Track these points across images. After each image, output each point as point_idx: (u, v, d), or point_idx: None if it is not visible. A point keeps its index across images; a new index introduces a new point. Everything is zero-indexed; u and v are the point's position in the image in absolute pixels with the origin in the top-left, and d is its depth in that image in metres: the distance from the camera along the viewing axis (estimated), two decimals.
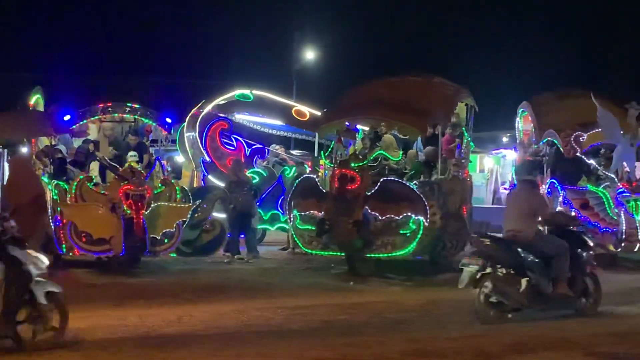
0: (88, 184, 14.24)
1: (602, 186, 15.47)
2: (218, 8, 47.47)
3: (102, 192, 14.10)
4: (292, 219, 14.95)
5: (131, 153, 15.23)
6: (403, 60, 41.02)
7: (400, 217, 13.88)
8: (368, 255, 13.95)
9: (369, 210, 13.87)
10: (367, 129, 16.16)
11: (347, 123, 15.65)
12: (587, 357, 7.89)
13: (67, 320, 8.06)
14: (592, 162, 16.21)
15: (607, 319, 10.11)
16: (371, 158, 14.96)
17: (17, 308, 7.79)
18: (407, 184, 14.30)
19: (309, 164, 17.66)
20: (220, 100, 18.33)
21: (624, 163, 15.46)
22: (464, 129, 16.14)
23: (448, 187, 14.98)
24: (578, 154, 16.20)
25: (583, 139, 16.17)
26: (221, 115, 18.10)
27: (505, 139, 26.94)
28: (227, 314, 10.15)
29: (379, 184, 14.14)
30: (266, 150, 18.72)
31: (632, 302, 11.54)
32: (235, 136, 18.10)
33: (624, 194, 15.00)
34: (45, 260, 8.20)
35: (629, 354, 8.08)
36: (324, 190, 14.50)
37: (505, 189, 21.03)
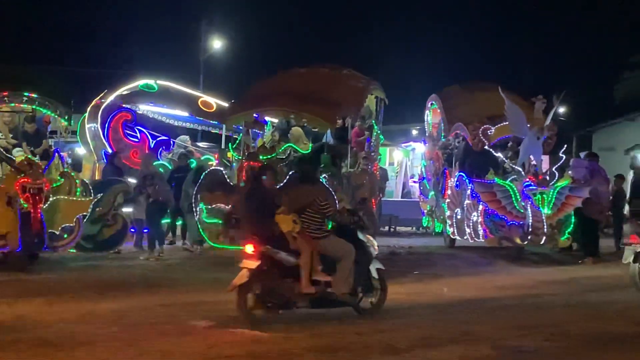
0: None
1: (509, 179, 15.72)
2: None
3: None
4: (198, 213, 14.78)
5: (17, 149, 14.72)
6: (313, 52, 41.09)
7: None
8: None
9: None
10: (275, 121, 16.13)
11: (255, 115, 15.54)
12: (494, 350, 8.00)
13: (387, 294, 9.87)
14: (499, 155, 16.49)
15: (513, 312, 10.28)
16: (280, 150, 14.92)
17: (364, 283, 9.53)
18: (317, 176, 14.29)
19: (216, 156, 17.53)
20: (123, 90, 18.03)
21: (531, 156, 15.76)
22: (373, 121, 16.26)
23: (357, 180, 15.06)
24: (486, 147, 16.46)
25: (491, 132, 16.44)
26: (124, 106, 17.80)
27: (415, 132, 27.25)
28: (130, 311, 9.93)
29: (287, 177, 14.13)
30: (171, 142, 18.46)
31: (537, 295, 11.78)
32: (139, 127, 17.83)
33: (531, 187, 15.28)
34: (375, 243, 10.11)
35: (535, 346, 8.22)
36: (231, 183, 14.42)
37: (414, 182, 21.26)
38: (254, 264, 9.08)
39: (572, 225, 15.91)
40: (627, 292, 12.14)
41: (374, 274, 9.84)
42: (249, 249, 9.16)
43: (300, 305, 9.36)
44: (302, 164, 14.15)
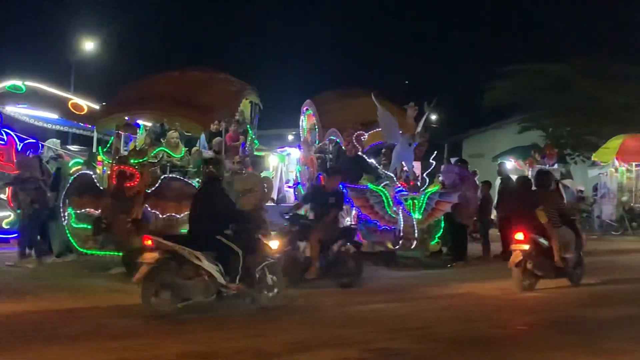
0: None
1: (381, 185, 15.85)
2: None
3: None
4: (66, 217, 14.34)
5: None
6: (188, 55, 40.77)
7: (182, 215, 13.70)
8: None
9: (149, 209, 13.62)
10: (148, 124, 15.84)
11: (127, 118, 15.22)
12: (363, 353, 8.02)
13: None
14: (372, 161, 16.63)
15: (384, 316, 10.37)
16: (152, 154, 14.64)
17: None
18: (190, 181, 14.13)
19: (87, 159, 17.06)
20: None
21: (403, 162, 15.95)
22: (248, 126, 16.18)
23: (244, 185, 14.87)
24: (359, 153, 16.58)
25: (364, 138, 16.59)
26: None
27: (290, 137, 27.29)
28: None
29: (159, 181, 13.91)
30: (40, 145, 17.88)
31: (407, 299, 11.95)
32: (5, 130, 17.17)
33: (402, 193, 15.47)
34: None
35: (403, 348, 8.30)
36: (101, 188, 14.08)
37: (289, 187, 21.23)
38: (524, 247, 12.39)
39: (441, 230, 16.21)
40: (493, 294, 12.46)
41: None
42: (520, 236, 12.44)
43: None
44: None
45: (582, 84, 31.48)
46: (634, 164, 26.63)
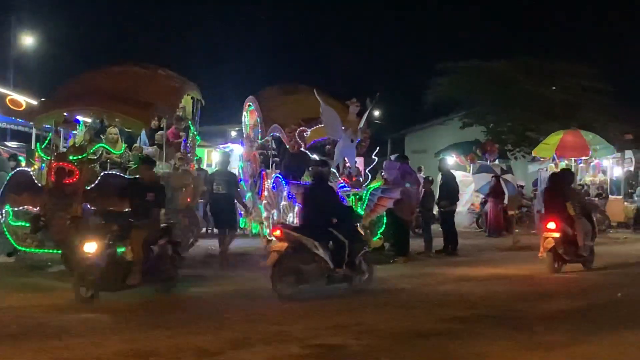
0: None
1: None
2: None
3: None
4: (4, 215, 14.08)
5: None
6: (128, 50, 40.41)
7: (122, 211, 13.53)
8: None
9: (89, 206, 13.41)
10: (88, 120, 15.60)
11: (66, 114, 14.97)
12: (303, 349, 8.02)
13: None
14: (315, 157, 16.60)
15: (326, 312, 10.38)
16: (91, 151, 14.42)
17: None
18: (130, 178, 13.96)
19: (25, 156, 16.80)
20: None
21: (345, 158, 15.99)
22: (190, 122, 16.02)
23: (179, 182, 14.79)
24: (302, 149, 16.54)
25: (307, 134, 16.54)
26: None
27: (233, 133, 27.20)
28: None
29: (99, 178, 13.73)
30: None
31: (349, 295, 11.94)
32: None
33: (345, 189, 15.50)
34: None
35: (344, 344, 8.31)
36: (39, 185, 13.85)
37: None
38: (556, 234, 14.32)
39: (384, 226, 16.25)
40: (436, 289, 12.56)
41: None
42: (552, 225, 14.38)
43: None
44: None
45: (522, 81, 31.88)
46: (573, 159, 27.04)
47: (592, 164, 27.99)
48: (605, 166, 29.28)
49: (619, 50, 38.73)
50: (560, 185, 15.23)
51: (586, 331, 9.11)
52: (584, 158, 26.73)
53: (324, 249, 11.71)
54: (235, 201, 16.59)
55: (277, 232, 11.94)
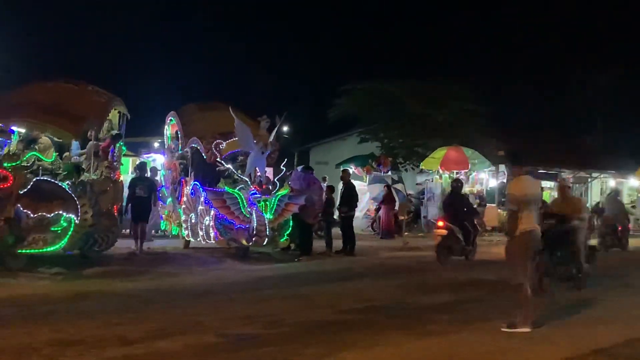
0: None
1: (237, 188, 15.81)
2: None
3: None
4: None
5: None
6: (63, 67, 39.54)
7: (52, 214, 13.28)
8: (20, 251, 13.14)
9: (21, 208, 13.07)
10: (22, 130, 15.19)
11: (1, 124, 14.55)
12: (218, 337, 8.00)
13: None
14: (229, 166, 16.53)
15: (238, 305, 10.36)
16: (24, 159, 14.05)
17: None
18: (60, 183, 13.65)
19: None
20: None
21: (257, 168, 15.99)
22: (115, 133, 15.77)
23: (100, 187, 14.57)
24: (218, 159, 16.47)
25: (222, 146, 16.47)
26: None
27: (156, 144, 26.77)
28: None
29: (31, 183, 13.38)
30: None
31: (259, 289, 11.94)
32: None
33: (256, 195, 15.50)
34: None
35: (254, 333, 8.32)
36: None
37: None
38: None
39: (290, 229, 16.33)
40: (336, 284, 12.67)
41: None
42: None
43: None
44: None
45: (411, 102, 32.30)
46: (455, 171, 27.59)
47: (471, 176, 28.57)
48: (482, 178, 29.98)
49: (495, 78, 39.79)
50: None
51: (462, 320, 9.32)
52: (464, 171, 27.27)
53: (460, 234, 16.26)
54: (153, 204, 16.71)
55: (441, 223, 16.55)
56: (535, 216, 8.92)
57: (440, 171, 26.95)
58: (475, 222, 17.25)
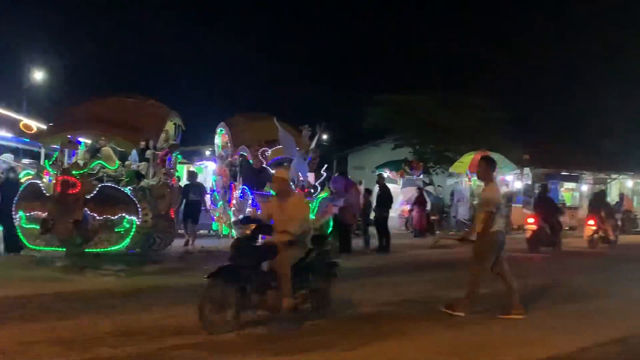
0: None
1: None
2: None
3: None
4: (18, 219, 13.93)
5: None
6: (123, 83, 40.18)
7: (116, 217, 13.49)
8: (87, 250, 13.39)
9: (88, 211, 13.31)
10: (88, 141, 15.47)
11: (69, 136, 14.82)
12: (263, 329, 7.98)
13: None
14: (274, 172, 16.58)
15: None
16: (91, 166, 14.30)
17: None
18: (122, 189, 13.86)
19: (36, 170, 16.53)
20: None
21: (299, 173, 16.04)
22: (173, 143, 15.96)
23: (158, 192, 14.74)
24: (264, 165, 16.56)
25: (268, 153, 16.56)
26: None
27: (207, 152, 27.04)
28: None
29: (97, 189, 13.63)
30: None
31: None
32: None
33: None
34: None
35: (296, 325, 8.30)
36: (47, 194, 13.72)
37: (207, 193, 21.07)
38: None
39: (330, 228, 16.33)
40: (372, 279, 12.66)
41: None
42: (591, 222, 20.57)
43: None
44: None
45: (439, 112, 32.17)
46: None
47: (497, 178, 28.34)
48: (508, 181, 29.73)
49: (518, 85, 39.30)
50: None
51: (490, 312, 9.26)
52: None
53: (548, 228, 18.16)
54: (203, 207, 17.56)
55: (532, 220, 18.57)
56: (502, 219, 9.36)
57: (469, 174, 26.78)
58: (560, 220, 19.38)
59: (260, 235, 8.89)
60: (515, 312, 9.01)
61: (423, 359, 6.89)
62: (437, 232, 23.57)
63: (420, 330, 8.11)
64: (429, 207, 24.45)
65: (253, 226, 8.60)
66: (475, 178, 26.31)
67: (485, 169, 9.38)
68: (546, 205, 19.36)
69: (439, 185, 29.69)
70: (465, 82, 34.00)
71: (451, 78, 34.50)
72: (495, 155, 26.78)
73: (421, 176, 28.14)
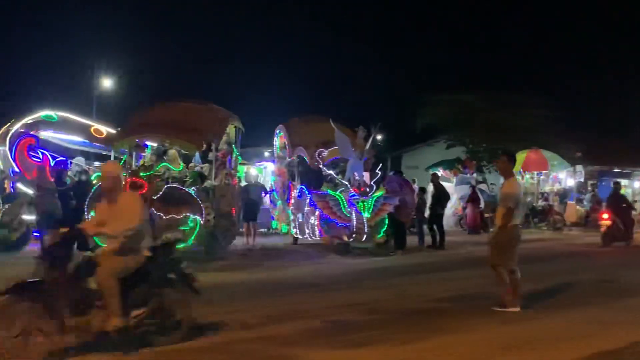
0: None
1: (338, 190, 15.90)
2: (30, 42, 45.36)
3: None
4: (90, 219, 14.21)
5: None
6: (186, 88, 40.77)
7: (181, 216, 13.68)
8: None
9: (155, 211, 13.52)
10: (155, 144, 15.73)
11: (137, 140, 15.10)
12: (323, 323, 8.03)
13: None
14: (331, 172, 16.65)
15: (341, 293, 10.39)
16: (157, 168, 14.54)
17: None
18: (187, 189, 14.05)
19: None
20: (28, 119, 17.09)
21: (355, 173, 16.02)
22: (233, 145, 16.12)
23: (220, 192, 14.89)
24: (321, 166, 16.60)
25: (324, 154, 16.62)
26: (29, 132, 16.89)
27: (266, 154, 27.22)
28: None
29: (163, 189, 13.84)
30: (69, 162, 17.62)
31: (359, 280, 11.97)
32: (41, 150, 16.90)
33: (355, 197, 15.55)
34: None
35: (355, 319, 8.32)
36: None
37: (266, 192, 21.23)
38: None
39: (385, 226, 16.25)
40: (426, 276, 12.54)
41: None
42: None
43: None
44: None
45: (491, 111, 31.72)
46: (535, 172, 26.95)
47: (550, 176, 27.83)
48: (560, 178, 29.15)
49: (569, 83, 38.53)
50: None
51: (542, 308, 9.09)
52: (544, 172, 26.59)
53: (621, 224, 18.17)
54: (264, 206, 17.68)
55: (606, 216, 18.56)
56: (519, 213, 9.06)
57: (522, 172, 26.39)
58: (632, 216, 19.37)
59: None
60: (511, 306, 8.77)
61: (478, 353, 6.78)
62: (491, 229, 23.17)
63: (475, 325, 7.98)
64: (482, 204, 24.10)
65: (64, 230, 6.66)
66: (528, 176, 25.96)
67: (506, 165, 9.18)
68: (618, 202, 19.21)
69: (492, 183, 29.20)
70: (518, 82, 33.44)
71: (504, 78, 33.94)
72: (548, 154, 26.45)
73: (474, 174, 27.74)
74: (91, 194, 14.43)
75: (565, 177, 29.49)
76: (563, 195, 27.23)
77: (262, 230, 20.36)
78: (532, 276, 12.39)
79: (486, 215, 24.01)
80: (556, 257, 15.96)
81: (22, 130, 16.83)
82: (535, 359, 6.63)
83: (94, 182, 15.52)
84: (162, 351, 6.67)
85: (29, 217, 15.22)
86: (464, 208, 24.91)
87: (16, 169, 16.46)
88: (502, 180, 9.36)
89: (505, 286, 8.92)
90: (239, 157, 17.29)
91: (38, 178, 14.97)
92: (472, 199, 23.89)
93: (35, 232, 15.20)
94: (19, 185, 16.48)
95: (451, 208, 25.88)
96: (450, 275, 12.64)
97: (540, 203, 26.76)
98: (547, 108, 31.72)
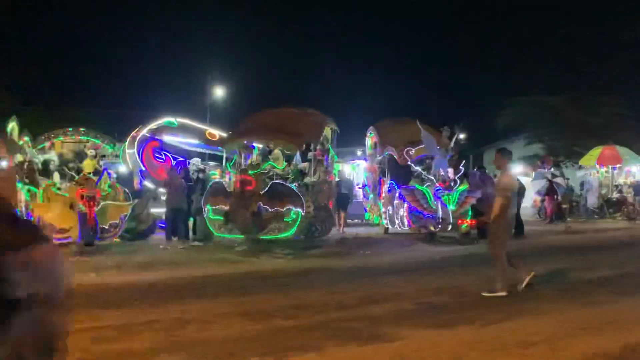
0: (52, 189, 13.70)
1: (425, 185, 15.77)
2: (154, 60, 47.01)
3: (64, 194, 13.62)
4: (206, 212, 14.71)
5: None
6: (287, 95, 41.38)
7: (284, 209, 13.90)
8: (261, 237, 13.90)
9: (262, 205, 13.82)
10: (260, 146, 16.06)
11: (245, 142, 15.46)
12: (415, 305, 7.96)
13: None
14: (418, 168, 16.53)
15: (429, 278, 10.28)
16: (263, 167, 14.86)
17: None
18: (289, 185, 14.30)
19: (219, 171, 17.38)
20: (152, 125, 17.76)
21: (440, 169, 15.86)
22: (329, 146, 16.25)
23: (318, 187, 15.06)
24: (409, 163, 16.50)
25: (412, 152, 16.49)
26: (154, 136, 17.58)
27: (359, 153, 27.26)
28: (155, 283, 9.78)
29: (269, 185, 14.12)
30: (187, 162, 18.22)
31: (445, 267, 11.81)
32: (164, 152, 17.58)
33: (440, 191, 15.38)
34: None
35: (443, 302, 8.24)
36: (229, 190, 14.37)
37: (359, 188, 21.27)
38: None
39: (469, 217, 15.99)
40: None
41: None
42: None
43: None
44: None
45: (568, 111, 30.71)
46: (610, 166, 25.93)
47: (623, 170, 26.67)
48: (633, 172, 27.88)
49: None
50: None
51: (620, 292, 8.74)
52: (618, 166, 25.54)
53: None
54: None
55: None
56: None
57: (597, 166, 25.44)
58: None
59: None
60: (500, 290, 8.55)
61: (559, 332, 6.59)
62: (568, 219, 22.37)
63: (556, 308, 7.75)
64: (559, 197, 23.31)
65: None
66: (604, 170, 24.91)
67: (499, 160, 9.15)
68: None
69: (567, 178, 28.27)
70: (593, 81, 32.08)
71: (580, 78, 32.64)
72: (621, 149, 25.31)
73: (551, 169, 26.85)
74: (207, 189, 14.91)
75: (638, 171, 28.15)
76: (637, 187, 25.95)
77: (356, 220, 20.45)
78: (613, 263, 12.00)
79: (564, 206, 23.28)
80: (635, 244, 15.24)
81: (148, 135, 17.52)
82: (619, 338, 6.36)
83: (211, 178, 16.03)
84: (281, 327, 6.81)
85: (155, 210, 15.87)
86: (542, 200, 24.18)
87: (143, 169, 17.16)
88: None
89: (522, 270, 8.75)
90: (335, 156, 17.43)
91: (169, 177, 15.49)
92: (549, 191, 23.18)
93: (161, 223, 15.81)
94: (146, 183, 17.16)
95: (529, 200, 25.21)
96: (531, 261, 12.14)
97: (615, 195, 25.67)
98: (620, 107, 30.44)
